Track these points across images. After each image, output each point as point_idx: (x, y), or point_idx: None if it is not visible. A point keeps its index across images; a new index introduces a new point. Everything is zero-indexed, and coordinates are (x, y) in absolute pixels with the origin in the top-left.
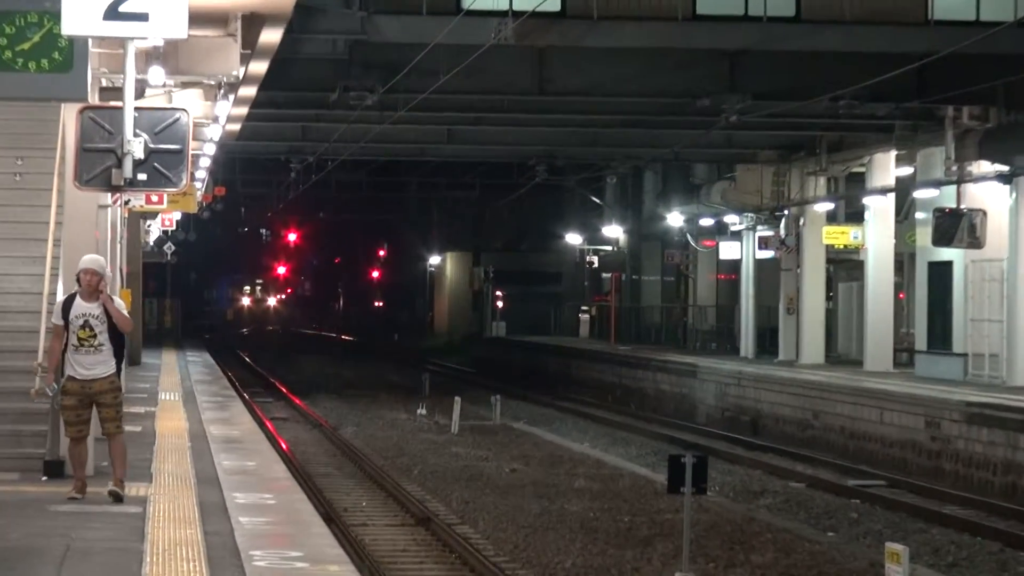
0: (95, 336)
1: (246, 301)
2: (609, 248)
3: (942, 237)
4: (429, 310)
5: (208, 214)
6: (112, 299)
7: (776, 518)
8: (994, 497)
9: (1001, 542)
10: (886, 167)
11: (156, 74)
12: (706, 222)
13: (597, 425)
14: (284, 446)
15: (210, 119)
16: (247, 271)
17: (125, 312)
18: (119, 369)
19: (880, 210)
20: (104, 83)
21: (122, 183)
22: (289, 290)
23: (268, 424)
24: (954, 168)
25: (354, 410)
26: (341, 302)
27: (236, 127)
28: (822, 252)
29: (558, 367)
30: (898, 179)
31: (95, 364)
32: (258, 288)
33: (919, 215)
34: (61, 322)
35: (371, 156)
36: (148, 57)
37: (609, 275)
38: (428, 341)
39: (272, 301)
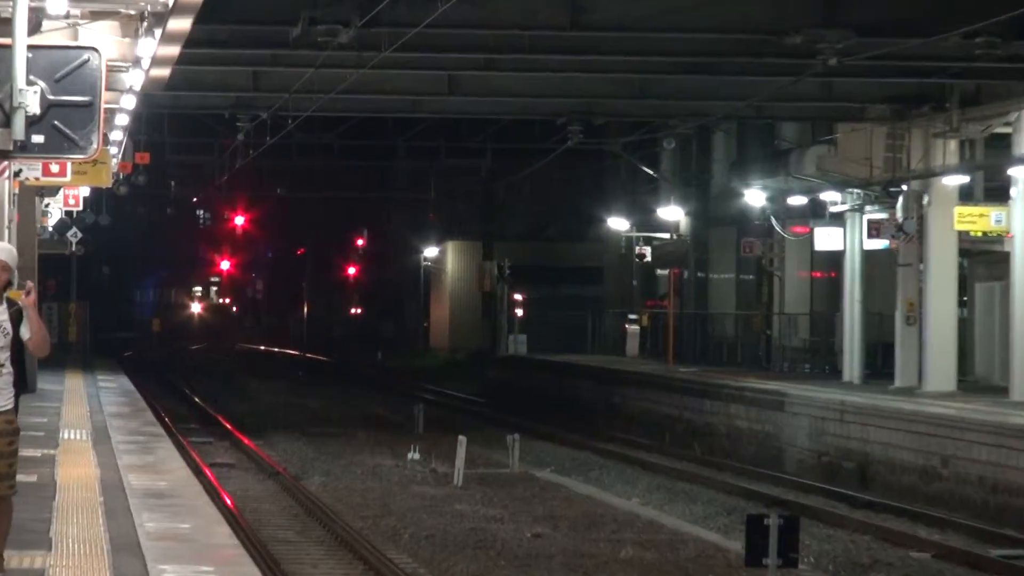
0: None
1: (195, 307)
2: (666, 236)
3: None
4: (424, 319)
5: (127, 190)
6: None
7: None
8: None
9: None
10: None
11: (57, 0)
12: (797, 201)
13: (650, 474)
14: (228, 502)
15: (129, 62)
16: (180, 266)
17: (45, 331)
18: (17, 404)
19: None
20: None
21: (11, 148)
22: (225, 296)
23: (207, 472)
24: None
25: (323, 454)
26: (305, 308)
27: (165, 72)
28: (953, 241)
29: (597, 396)
30: None
31: None
32: (212, 290)
33: None
34: None
35: (346, 112)
36: None
37: (666, 272)
38: (422, 360)
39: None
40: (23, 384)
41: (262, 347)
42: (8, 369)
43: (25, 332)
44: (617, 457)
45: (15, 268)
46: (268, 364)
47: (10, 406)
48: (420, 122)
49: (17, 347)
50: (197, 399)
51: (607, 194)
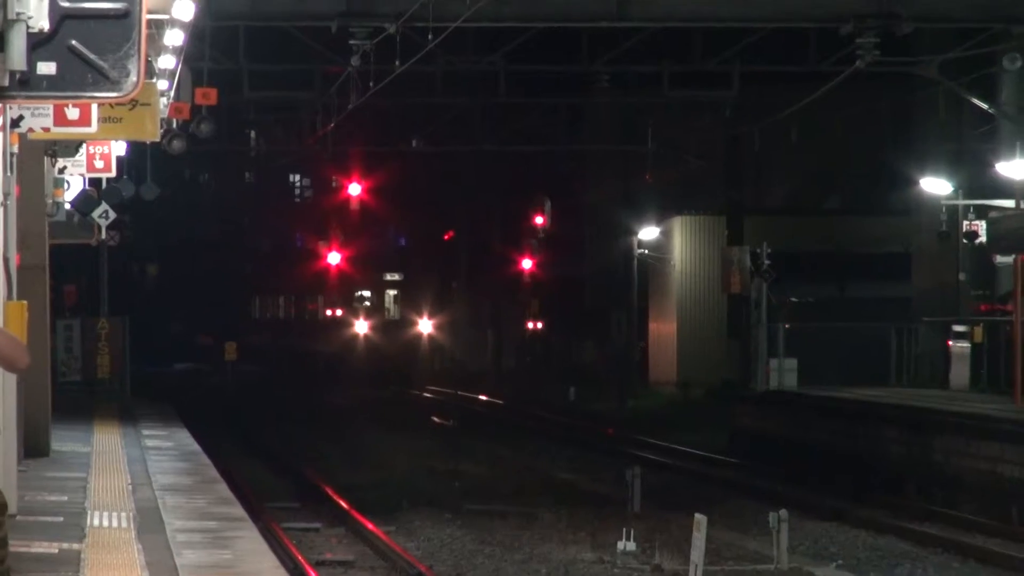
0: None
1: (360, 326)
2: (1010, 205)
3: None
4: (640, 337)
5: (183, 146)
6: None
7: None
8: None
9: None
10: None
11: None
12: None
13: (992, 572)
14: None
15: None
16: (265, 262)
17: (3, 330)
18: None
19: None
20: None
21: (5, 83)
22: (336, 306)
23: (312, 574)
24: None
25: (487, 545)
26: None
27: None
28: None
29: (906, 451)
30: None
31: None
32: (390, 299)
33: None
34: None
35: (516, 22)
36: None
37: (1010, 260)
38: (638, 400)
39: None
40: None
41: (387, 378)
42: None
43: None
44: (938, 544)
45: None
46: (398, 408)
47: None
48: (630, 35)
49: None
50: (290, 460)
51: (917, 142)
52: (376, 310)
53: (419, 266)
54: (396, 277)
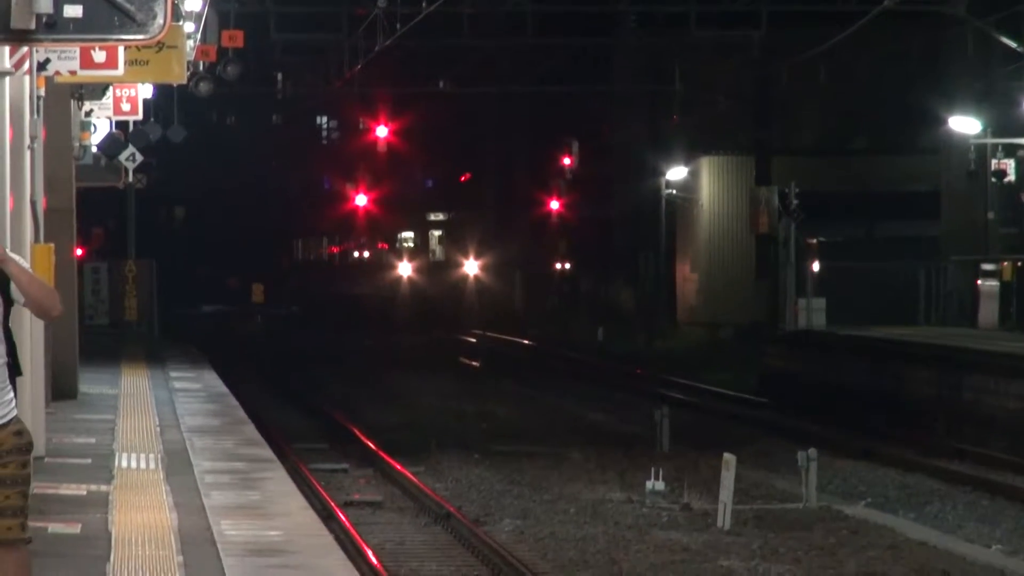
0: None
1: (404, 268)
2: None
3: None
4: (668, 277)
5: (210, 88)
6: (10, 257)
7: None
8: None
9: None
10: None
11: None
12: None
13: (1020, 508)
14: (374, 560)
15: None
16: (295, 204)
17: (39, 278)
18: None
19: None
20: None
21: (31, 25)
22: (364, 249)
23: (341, 515)
24: None
25: (516, 486)
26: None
27: None
28: None
29: (935, 390)
30: None
31: None
32: (434, 239)
33: None
34: None
35: None
36: None
37: None
38: (666, 341)
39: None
40: (16, 370)
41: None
42: (1, 358)
43: (16, 293)
44: (968, 482)
45: None
46: (424, 350)
47: (14, 413)
48: None
49: (5, 320)
50: (318, 401)
51: (946, 81)
52: (420, 251)
53: (465, 205)
54: (440, 216)
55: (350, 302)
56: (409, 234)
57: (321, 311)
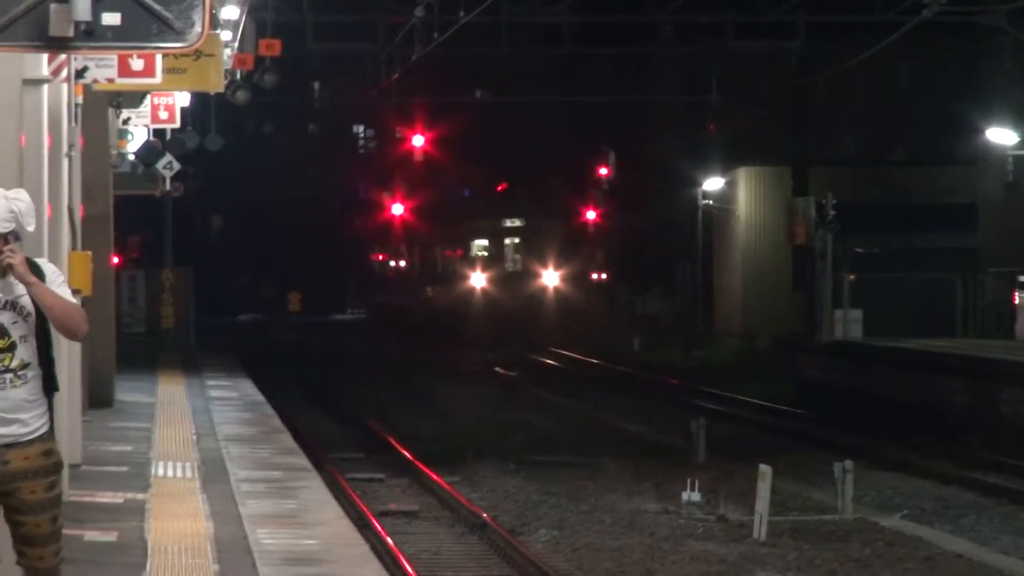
0: (11, 351)
1: (477, 279)
2: None
3: None
4: (705, 288)
5: (247, 97)
6: (39, 272)
7: None
8: None
9: None
10: None
11: None
12: None
13: None
14: (409, 570)
15: None
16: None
17: (71, 299)
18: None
19: None
20: None
21: (70, 33)
22: (400, 258)
23: (377, 525)
24: None
25: (552, 496)
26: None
27: None
28: None
29: (973, 402)
30: None
31: (12, 411)
32: (510, 247)
33: None
34: None
35: None
36: None
37: None
38: (703, 351)
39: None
40: (52, 384)
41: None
42: (35, 371)
43: None
44: (1004, 494)
45: (22, 225)
46: (463, 359)
47: (47, 428)
48: None
49: (43, 333)
50: (356, 412)
51: (985, 92)
52: (494, 261)
53: (541, 212)
54: (517, 223)
55: (425, 313)
56: (483, 242)
57: (391, 321)
